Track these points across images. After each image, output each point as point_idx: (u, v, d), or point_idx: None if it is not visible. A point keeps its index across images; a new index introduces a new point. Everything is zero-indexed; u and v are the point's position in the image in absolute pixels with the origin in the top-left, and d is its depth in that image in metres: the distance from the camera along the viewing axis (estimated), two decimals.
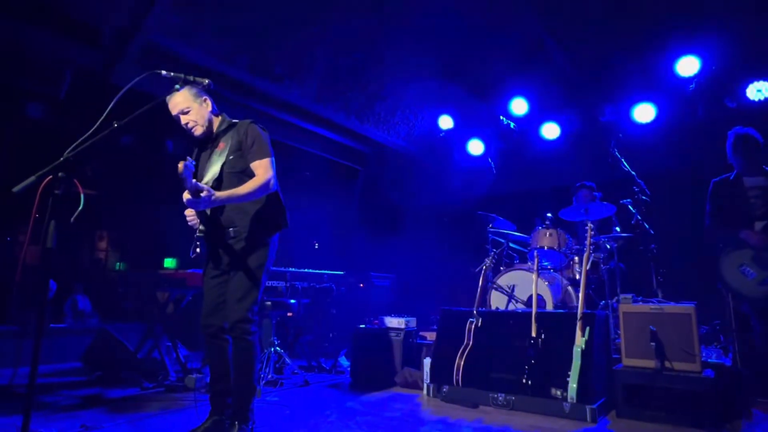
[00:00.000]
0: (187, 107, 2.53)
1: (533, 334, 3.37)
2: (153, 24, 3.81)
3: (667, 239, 4.65)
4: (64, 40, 3.82)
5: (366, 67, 5.24)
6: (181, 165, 2.12)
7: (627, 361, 3.23)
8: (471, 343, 3.60)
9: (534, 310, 3.47)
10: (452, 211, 6.84)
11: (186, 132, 2.60)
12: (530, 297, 3.95)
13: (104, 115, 2.07)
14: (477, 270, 3.97)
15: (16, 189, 1.89)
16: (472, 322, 3.64)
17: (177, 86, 2.34)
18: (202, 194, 2.23)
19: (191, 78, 2.35)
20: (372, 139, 6.56)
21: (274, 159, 2.54)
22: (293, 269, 4.02)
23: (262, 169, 2.48)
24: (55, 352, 4.89)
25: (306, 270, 4.16)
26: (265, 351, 4.00)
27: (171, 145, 6.09)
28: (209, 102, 2.62)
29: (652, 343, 3.09)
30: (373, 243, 6.40)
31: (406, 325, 4.15)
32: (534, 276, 3.74)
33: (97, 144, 2.06)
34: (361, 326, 4.31)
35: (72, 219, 2.02)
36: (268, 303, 3.91)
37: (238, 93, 5.16)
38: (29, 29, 3.63)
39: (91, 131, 2.04)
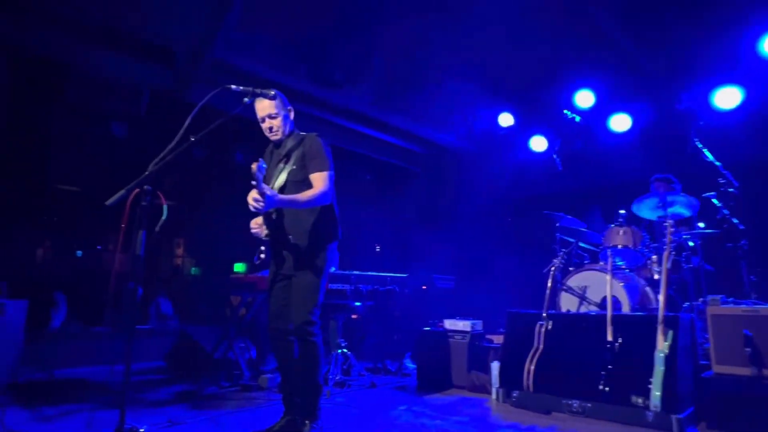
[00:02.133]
0: (276, 113, 2.70)
1: (609, 338, 3.20)
2: (220, 42, 4.04)
3: (760, 235, 4.24)
4: (141, 62, 4.17)
5: (423, 67, 5.24)
6: (254, 165, 2.26)
7: (717, 368, 2.98)
8: (541, 346, 3.48)
9: (609, 312, 3.29)
10: (516, 210, 6.65)
11: (265, 134, 2.76)
12: (604, 299, 3.75)
13: (182, 131, 2.23)
14: (545, 271, 3.84)
15: (109, 202, 2.07)
16: (541, 325, 3.52)
17: (246, 99, 2.46)
18: (267, 193, 2.36)
19: (258, 90, 2.48)
20: (431, 140, 6.55)
21: (333, 173, 2.66)
22: (357, 272, 4.10)
23: (320, 181, 2.59)
24: (141, 351, 5.30)
25: (369, 273, 4.22)
26: (332, 353, 4.10)
27: (240, 157, 6.42)
28: (293, 113, 2.81)
29: (747, 349, 2.83)
30: (435, 244, 6.35)
31: (472, 327, 4.10)
32: (608, 277, 3.56)
33: (177, 158, 2.22)
34: (426, 329, 4.30)
35: (156, 228, 2.19)
36: (332, 305, 4.01)
37: (299, 102, 5.35)
38: (109, 54, 4.01)
39: (170, 146, 2.21)
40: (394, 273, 4.44)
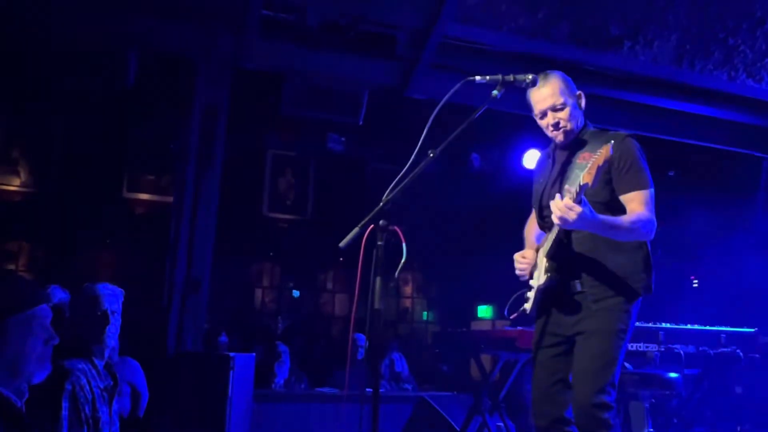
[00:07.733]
0: (562, 103, 2.66)
1: None
2: (450, 13, 4.37)
3: None
4: (359, 59, 4.84)
5: None
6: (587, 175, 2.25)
7: None
8: None
9: None
10: None
11: (547, 133, 2.76)
12: None
13: (419, 145, 2.46)
14: None
15: (342, 244, 2.41)
16: None
17: (495, 92, 2.57)
18: (582, 206, 2.28)
19: (511, 78, 2.56)
20: None
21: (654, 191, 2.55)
22: (668, 325, 3.86)
23: (641, 204, 2.50)
24: (371, 421, 5.97)
25: (690, 326, 3.95)
26: None
27: (477, 161, 6.77)
28: (583, 98, 2.75)
29: None
30: None
31: None
32: None
33: (414, 180, 2.46)
34: None
35: (396, 274, 2.45)
36: (632, 377, 3.82)
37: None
38: (328, 56, 4.76)
39: (405, 169, 2.46)
40: (732, 326, 4.11)
